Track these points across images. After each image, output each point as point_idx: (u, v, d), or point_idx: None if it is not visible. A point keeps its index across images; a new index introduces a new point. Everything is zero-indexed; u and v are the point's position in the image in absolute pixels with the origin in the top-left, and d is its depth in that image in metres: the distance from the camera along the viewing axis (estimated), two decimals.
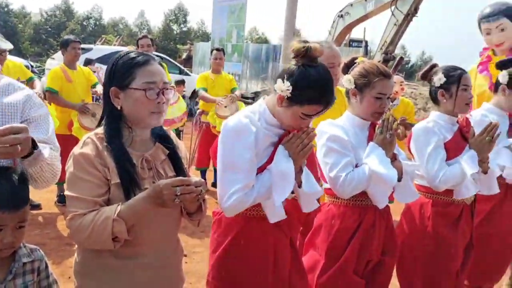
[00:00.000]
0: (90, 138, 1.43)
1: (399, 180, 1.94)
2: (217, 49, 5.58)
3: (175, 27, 47.27)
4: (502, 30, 4.06)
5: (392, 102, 4.69)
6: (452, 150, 2.21)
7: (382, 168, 1.82)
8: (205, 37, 39.03)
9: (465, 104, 2.26)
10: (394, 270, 2.22)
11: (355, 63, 2.01)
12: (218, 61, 5.47)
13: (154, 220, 1.44)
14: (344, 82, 2.00)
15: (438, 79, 2.28)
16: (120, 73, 1.43)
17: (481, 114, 2.58)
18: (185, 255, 3.55)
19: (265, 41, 41.51)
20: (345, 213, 1.96)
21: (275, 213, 1.65)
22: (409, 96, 17.07)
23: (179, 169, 1.55)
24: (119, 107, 1.44)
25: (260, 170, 1.64)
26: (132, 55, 1.46)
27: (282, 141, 1.65)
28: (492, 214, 2.51)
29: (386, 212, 2.03)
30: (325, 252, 1.95)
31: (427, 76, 2.39)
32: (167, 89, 1.47)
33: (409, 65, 45.14)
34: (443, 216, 2.24)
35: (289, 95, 1.56)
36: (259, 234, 1.70)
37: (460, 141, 2.25)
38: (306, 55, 1.57)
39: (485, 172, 2.27)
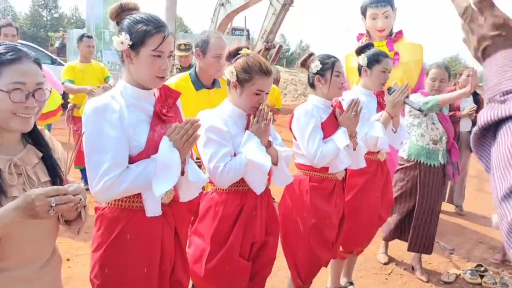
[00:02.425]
0: None
1: (275, 164, 2.04)
2: (88, 36, 5.20)
3: (44, 13, 43.12)
4: (387, 17, 4.46)
5: None
6: (328, 129, 2.41)
7: (258, 157, 1.89)
8: (80, 23, 36.31)
9: (338, 88, 2.47)
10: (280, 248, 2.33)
11: (239, 53, 2.03)
12: (89, 49, 5.10)
13: (25, 232, 1.30)
14: (226, 73, 2.01)
15: (315, 66, 2.46)
16: None
17: (350, 95, 2.80)
18: (68, 259, 3.32)
19: None
20: (228, 200, 2.00)
21: (153, 206, 1.62)
22: (290, 82, 17.97)
23: (54, 174, 1.41)
24: None
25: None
26: (0, 50, 1.28)
27: (166, 133, 1.61)
28: (365, 188, 2.77)
29: (266, 194, 2.12)
30: (211, 239, 1.97)
31: (305, 64, 2.55)
32: (41, 90, 1.32)
33: (289, 53, 47.34)
34: (318, 190, 2.44)
35: (129, 44, 1.58)
36: (146, 227, 1.64)
37: (334, 121, 2.47)
38: (122, 10, 1.64)
39: (354, 148, 2.50)
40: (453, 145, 3.54)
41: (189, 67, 5.25)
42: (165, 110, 1.71)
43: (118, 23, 1.65)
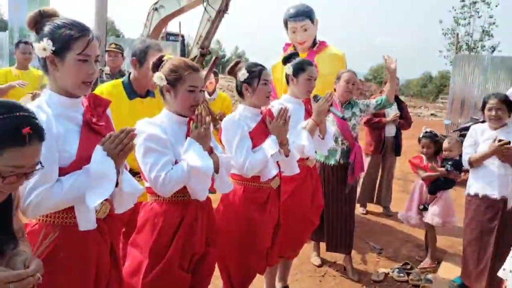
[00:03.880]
0: None
1: (217, 172, 2.04)
2: (25, 42, 4.95)
3: None
4: (305, 30, 4.60)
5: (210, 96, 4.88)
6: (257, 138, 2.43)
7: (200, 162, 1.89)
8: (1, 25, 33.97)
9: (265, 97, 2.51)
10: None
11: (163, 61, 2.04)
12: (25, 56, 4.88)
13: None
14: (156, 80, 2.00)
15: (242, 74, 2.48)
16: None
17: (279, 103, 2.89)
18: None
19: None
20: (168, 210, 1.98)
21: (87, 219, 1.56)
22: (226, 88, 18.04)
23: (4, 225, 1.30)
24: None
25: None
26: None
27: (100, 142, 1.56)
28: (295, 193, 2.86)
29: (207, 204, 2.12)
30: (149, 252, 1.94)
31: (232, 72, 2.57)
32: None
33: (225, 59, 47.47)
34: (252, 200, 2.47)
35: (52, 50, 1.53)
36: (80, 244, 1.57)
37: (263, 129, 2.50)
38: (41, 17, 1.59)
39: (286, 155, 2.56)
40: (354, 147, 3.68)
41: (119, 72, 5.11)
42: (95, 119, 1.66)
43: (37, 32, 1.58)
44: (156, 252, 1.93)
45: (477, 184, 3.28)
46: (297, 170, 2.67)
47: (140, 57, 2.54)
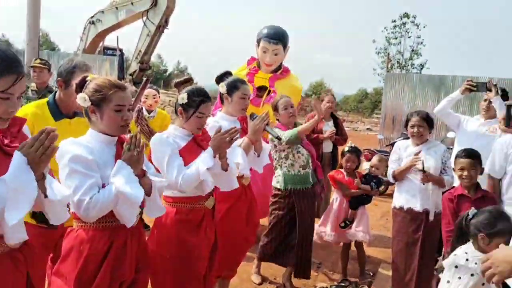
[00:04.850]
0: None
1: (148, 195, 1.98)
2: None
3: None
4: (276, 54, 4.68)
5: (149, 114, 4.77)
6: (187, 157, 2.38)
7: (129, 188, 1.81)
8: None
9: (197, 128, 2.46)
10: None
11: (87, 81, 1.97)
12: None
13: None
14: (79, 101, 1.92)
15: (181, 98, 2.43)
16: None
17: (214, 121, 2.89)
18: None
19: (8, 44, 36.31)
20: (95, 237, 1.89)
21: (14, 234, 1.44)
22: (168, 104, 17.76)
23: None
24: None
25: None
26: None
27: (19, 147, 1.46)
28: (229, 212, 2.85)
29: (137, 228, 2.05)
30: (74, 281, 1.83)
31: (178, 88, 2.55)
32: None
33: (167, 74, 46.84)
34: (186, 222, 2.40)
35: None
36: None
37: (194, 148, 2.44)
38: None
39: (225, 170, 2.53)
40: (317, 165, 3.83)
41: (46, 88, 4.85)
42: (7, 140, 1.56)
43: None
44: (82, 282, 1.83)
45: (401, 197, 3.48)
46: (236, 185, 2.65)
47: (66, 78, 2.42)
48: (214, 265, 2.60)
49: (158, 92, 5.21)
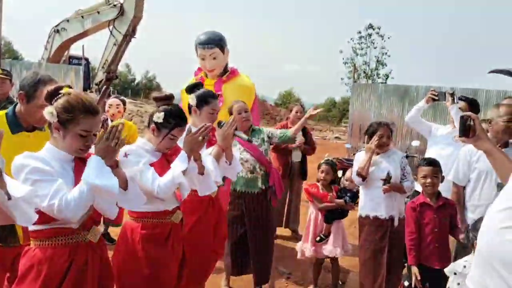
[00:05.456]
0: None
1: (125, 188, 1.94)
2: None
3: None
4: (215, 58, 4.61)
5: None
6: (159, 171, 2.32)
7: (100, 180, 1.75)
8: None
9: (166, 148, 2.42)
10: None
11: (60, 93, 1.88)
12: None
13: None
14: (46, 115, 1.84)
15: (157, 116, 2.38)
16: None
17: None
18: None
19: None
20: (53, 256, 1.81)
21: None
22: (136, 113, 17.51)
23: None
24: None
25: None
26: None
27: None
28: (197, 225, 2.80)
29: (99, 246, 1.98)
30: None
31: (156, 100, 2.46)
32: None
33: (135, 83, 46.26)
34: (152, 237, 2.34)
35: None
36: None
37: (165, 165, 2.39)
38: None
39: (201, 173, 2.48)
40: (271, 171, 3.76)
41: (7, 99, 4.67)
42: None
43: None
44: None
45: (367, 206, 3.54)
46: (215, 188, 2.63)
47: (28, 93, 2.30)
48: (183, 280, 2.55)
49: (124, 102, 5.11)
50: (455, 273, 2.40)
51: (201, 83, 3.08)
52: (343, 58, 33.05)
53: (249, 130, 3.74)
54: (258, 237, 3.66)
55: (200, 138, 2.39)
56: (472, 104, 4.15)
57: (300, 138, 5.59)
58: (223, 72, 4.74)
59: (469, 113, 2.08)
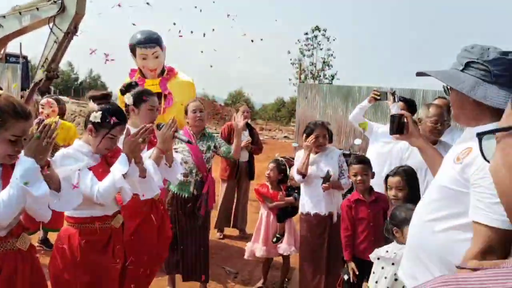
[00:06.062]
0: None
1: (58, 190, 1.90)
2: None
3: None
4: (156, 57, 4.58)
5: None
6: (98, 175, 2.25)
7: (32, 180, 1.69)
8: None
9: (105, 148, 2.33)
10: None
11: None
12: None
13: None
14: None
15: (94, 116, 2.28)
16: None
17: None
18: None
19: None
20: None
21: None
22: (78, 114, 16.89)
23: None
24: None
25: None
26: None
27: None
28: (140, 228, 2.77)
29: (30, 255, 1.92)
30: None
31: (95, 100, 2.37)
32: None
33: (78, 82, 44.55)
34: (91, 243, 2.28)
35: None
36: None
37: (105, 168, 2.32)
38: None
39: (143, 176, 2.44)
40: (207, 179, 3.75)
41: None
42: None
43: None
44: None
45: (307, 203, 3.66)
46: (157, 191, 2.60)
47: None
48: (125, 285, 2.51)
49: (58, 101, 4.90)
50: (378, 258, 2.59)
51: (136, 83, 3.03)
52: (290, 59, 33.62)
53: (201, 132, 3.74)
54: (185, 239, 3.68)
55: (140, 139, 2.33)
56: (410, 105, 4.38)
57: (247, 138, 5.66)
58: (162, 72, 4.73)
59: (402, 111, 2.21)
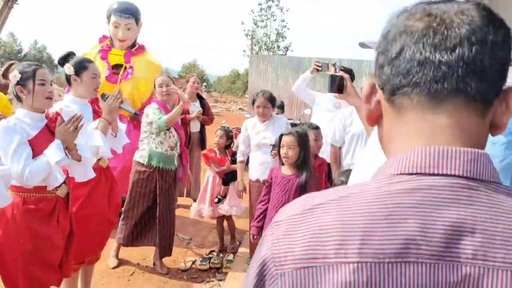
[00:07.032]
0: None
1: None
2: None
3: None
4: (129, 29, 4.54)
5: None
6: (40, 145, 2.26)
7: None
8: None
9: (44, 98, 2.31)
10: None
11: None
12: None
13: None
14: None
15: (13, 76, 2.27)
16: None
17: (64, 105, 2.77)
18: None
19: None
20: None
21: None
22: None
23: None
24: None
25: None
26: None
27: None
28: (90, 196, 2.78)
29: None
30: None
31: (6, 75, 2.34)
32: None
33: (22, 54, 42.19)
34: (35, 212, 2.29)
35: None
36: None
37: (48, 136, 2.33)
38: None
39: (78, 160, 2.47)
40: (184, 151, 3.97)
41: None
42: None
43: None
44: None
45: (255, 171, 3.83)
46: (92, 175, 2.60)
47: None
48: (71, 253, 2.54)
49: None
50: None
51: (73, 53, 2.98)
52: (244, 30, 33.32)
53: (173, 106, 3.80)
54: (166, 213, 3.77)
55: (72, 128, 2.35)
56: (349, 74, 4.58)
57: (198, 109, 5.70)
58: (132, 45, 4.70)
59: (340, 73, 2.36)
